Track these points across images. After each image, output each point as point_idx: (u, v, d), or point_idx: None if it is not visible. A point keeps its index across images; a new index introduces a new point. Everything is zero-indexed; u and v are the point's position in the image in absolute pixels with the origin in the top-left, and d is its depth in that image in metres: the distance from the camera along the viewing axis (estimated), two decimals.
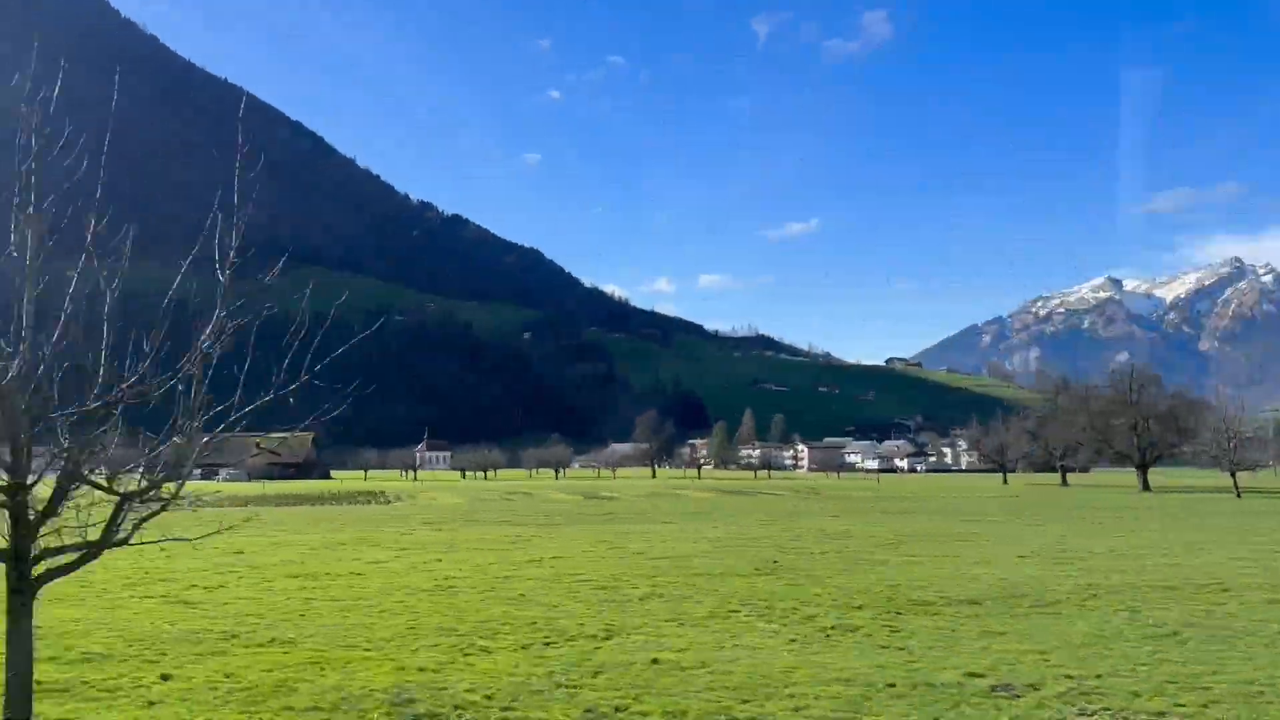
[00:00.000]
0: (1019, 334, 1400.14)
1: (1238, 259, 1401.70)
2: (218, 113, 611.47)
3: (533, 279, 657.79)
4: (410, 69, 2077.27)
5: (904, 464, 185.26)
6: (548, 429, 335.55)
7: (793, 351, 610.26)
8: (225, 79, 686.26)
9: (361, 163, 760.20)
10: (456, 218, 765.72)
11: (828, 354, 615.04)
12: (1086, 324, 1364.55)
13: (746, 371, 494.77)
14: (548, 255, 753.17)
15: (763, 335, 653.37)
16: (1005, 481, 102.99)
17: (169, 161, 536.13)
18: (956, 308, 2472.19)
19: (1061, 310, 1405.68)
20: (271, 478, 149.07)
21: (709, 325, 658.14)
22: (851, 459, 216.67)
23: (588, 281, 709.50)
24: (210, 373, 9.84)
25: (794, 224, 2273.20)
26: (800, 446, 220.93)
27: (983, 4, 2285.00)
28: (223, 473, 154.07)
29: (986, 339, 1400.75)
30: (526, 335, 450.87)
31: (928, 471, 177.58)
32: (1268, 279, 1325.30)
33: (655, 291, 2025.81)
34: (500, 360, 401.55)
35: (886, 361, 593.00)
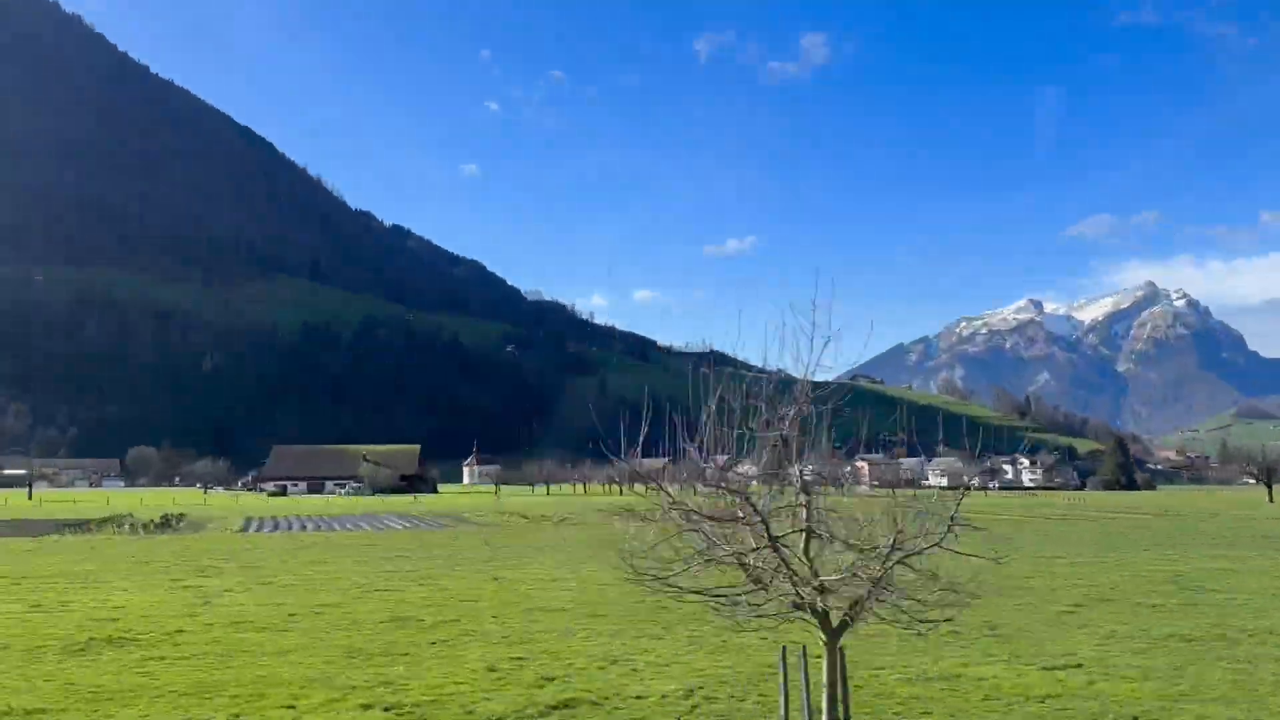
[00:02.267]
0: (944, 353, 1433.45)
1: (1151, 283, 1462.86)
2: (170, 117, 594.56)
3: (479, 291, 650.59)
4: (344, 74, 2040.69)
5: (975, 481, 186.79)
6: (549, 443, 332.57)
7: (747, 367, 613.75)
8: (174, 81, 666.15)
9: (309, 171, 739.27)
10: (398, 228, 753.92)
11: (784, 370, 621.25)
12: (1009, 345, 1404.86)
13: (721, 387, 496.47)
14: (489, 268, 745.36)
15: (716, 351, 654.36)
16: (1271, 499, 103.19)
17: (133, 167, 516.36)
18: (884, 327, 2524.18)
19: (985, 331, 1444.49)
20: (390, 491, 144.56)
21: (661, 341, 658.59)
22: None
23: (529, 294, 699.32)
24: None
25: (732, 240, 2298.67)
26: (860, 462, 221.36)
27: (915, 34, 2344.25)
28: (333, 484, 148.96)
29: (913, 358, 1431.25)
30: (510, 349, 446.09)
31: (1001, 489, 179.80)
32: (1180, 303, 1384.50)
33: (591, 306, 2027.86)
34: (492, 373, 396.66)
35: (852, 378, 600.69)
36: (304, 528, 51.84)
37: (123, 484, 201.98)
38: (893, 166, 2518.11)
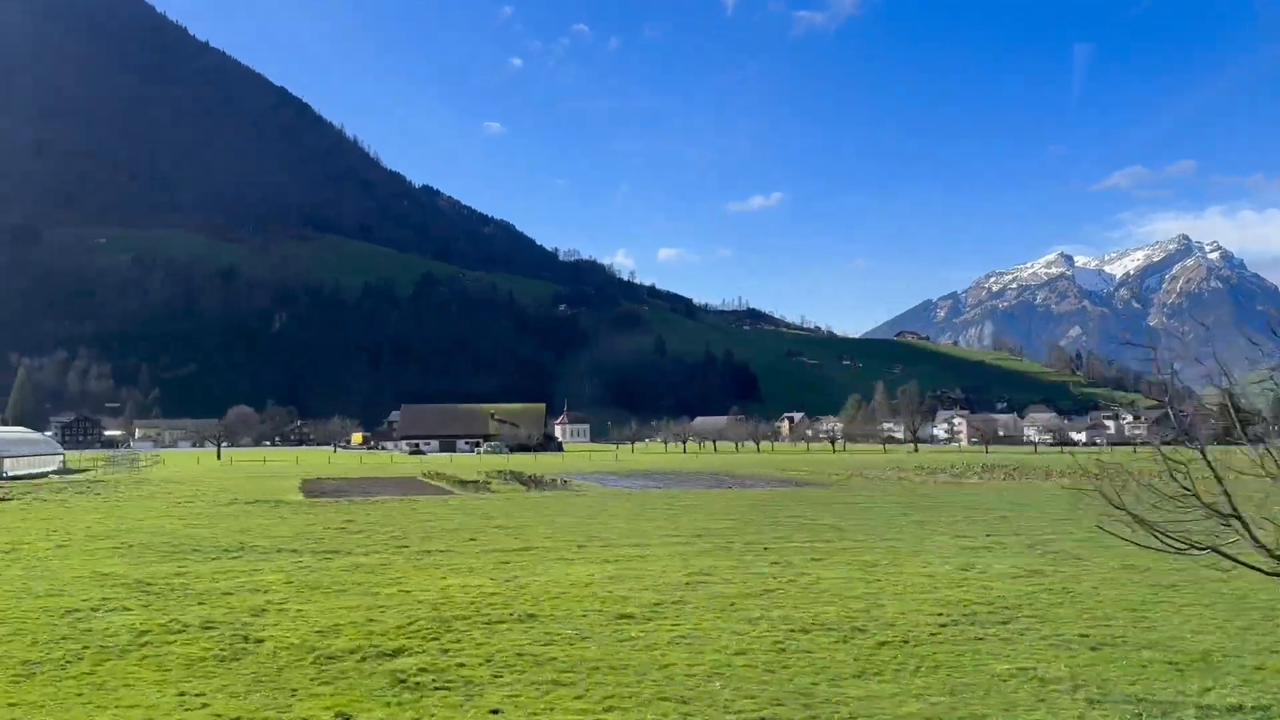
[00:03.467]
0: (973, 309, 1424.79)
1: (1185, 236, 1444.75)
2: (209, 79, 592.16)
3: (514, 250, 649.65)
4: (364, 34, 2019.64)
5: (1082, 437, 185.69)
6: (610, 402, 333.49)
7: (785, 324, 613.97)
8: (208, 42, 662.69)
9: (345, 131, 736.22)
10: (428, 188, 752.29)
11: (828, 328, 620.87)
12: (1039, 299, 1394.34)
13: (773, 345, 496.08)
14: (518, 227, 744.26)
15: (753, 309, 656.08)
16: None
17: (170, 127, 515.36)
18: (911, 283, 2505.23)
19: (1014, 285, 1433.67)
20: (524, 449, 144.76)
21: (694, 299, 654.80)
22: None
23: (565, 254, 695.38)
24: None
25: (757, 197, 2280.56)
26: (957, 420, 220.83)
27: None
28: (463, 443, 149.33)
29: (941, 313, 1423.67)
30: (562, 307, 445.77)
31: (1109, 444, 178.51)
32: (1214, 256, 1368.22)
33: (617, 264, 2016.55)
34: (549, 331, 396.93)
35: (897, 335, 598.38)
36: (657, 487, 50.69)
37: (226, 444, 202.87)
38: (921, 119, 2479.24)
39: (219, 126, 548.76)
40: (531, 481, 48.83)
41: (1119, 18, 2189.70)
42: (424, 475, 58.81)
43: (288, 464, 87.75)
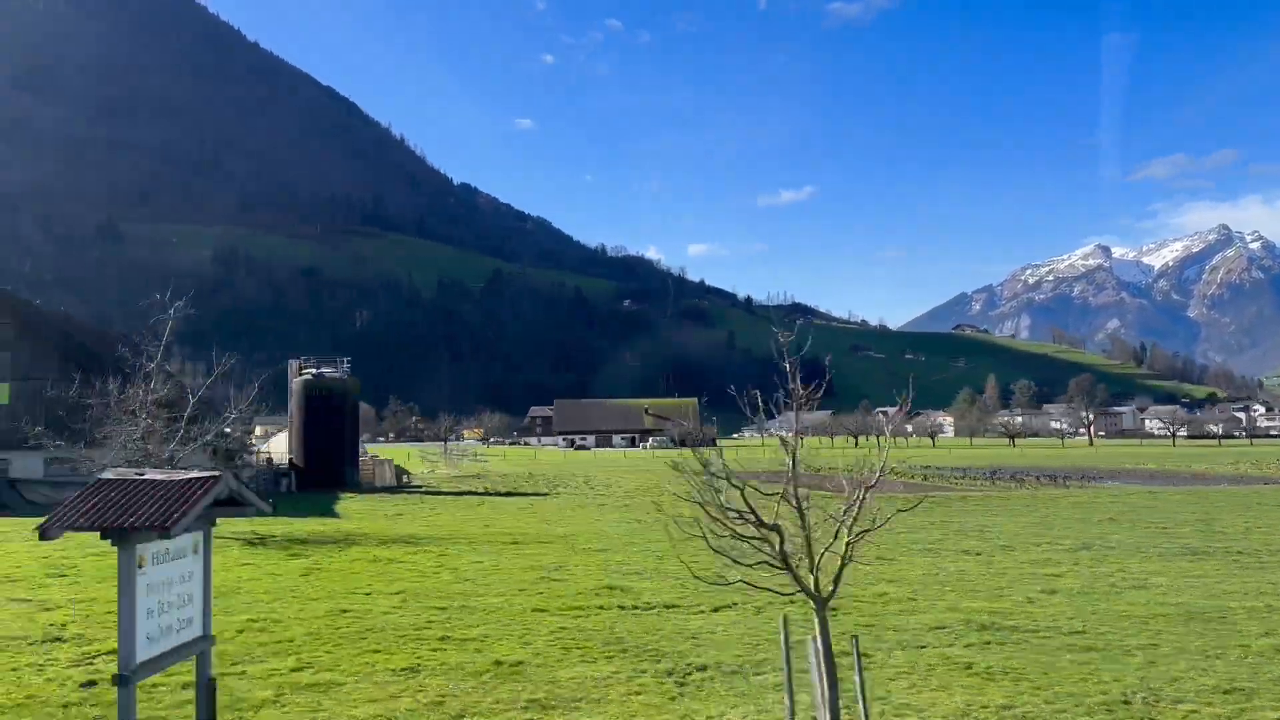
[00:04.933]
0: (1009, 302, 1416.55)
1: (1225, 226, 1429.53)
2: (260, 78, 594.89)
3: (555, 247, 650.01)
4: (397, 28, 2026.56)
5: (1218, 429, 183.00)
6: (682, 397, 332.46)
7: (836, 319, 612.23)
8: (258, 43, 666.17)
9: (392, 130, 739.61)
10: (466, 185, 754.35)
11: (881, 322, 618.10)
12: (1076, 291, 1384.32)
13: (829, 340, 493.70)
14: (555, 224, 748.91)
15: (799, 304, 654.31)
16: None
17: (230, 126, 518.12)
18: (945, 276, 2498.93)
19: (1051, 278, 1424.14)
20: (685, 444, 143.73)
21: (739, 294, 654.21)
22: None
23: (613, 250, 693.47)
24: None
25: (787, 191, 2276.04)
26: (1082, 414, 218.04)
27: None
28: (619, 438, 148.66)
29: (977, 306, 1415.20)
30: (626, 303, 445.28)
31: (1249, 437, 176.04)
32: (1255, 245, 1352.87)
33: (661, 261, 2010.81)
34: (618, 326, 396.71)
35: (955, 328, 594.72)
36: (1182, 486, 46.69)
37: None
38: (954, 111, 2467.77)
39: (276, 125, 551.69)
40: (1048, 477, 47.26)
41: (1159, 3, 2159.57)
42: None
43: (555, 462, 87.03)
